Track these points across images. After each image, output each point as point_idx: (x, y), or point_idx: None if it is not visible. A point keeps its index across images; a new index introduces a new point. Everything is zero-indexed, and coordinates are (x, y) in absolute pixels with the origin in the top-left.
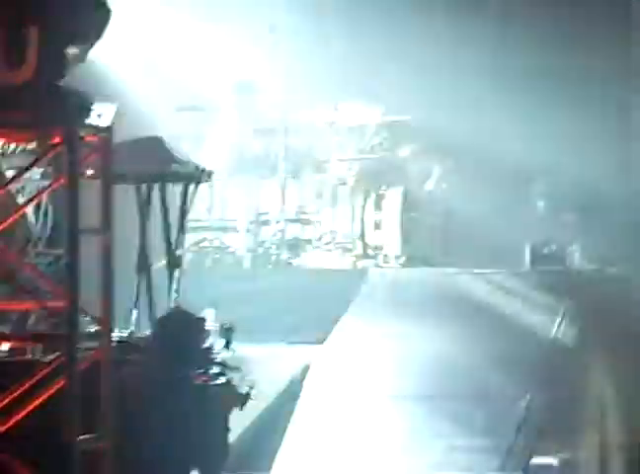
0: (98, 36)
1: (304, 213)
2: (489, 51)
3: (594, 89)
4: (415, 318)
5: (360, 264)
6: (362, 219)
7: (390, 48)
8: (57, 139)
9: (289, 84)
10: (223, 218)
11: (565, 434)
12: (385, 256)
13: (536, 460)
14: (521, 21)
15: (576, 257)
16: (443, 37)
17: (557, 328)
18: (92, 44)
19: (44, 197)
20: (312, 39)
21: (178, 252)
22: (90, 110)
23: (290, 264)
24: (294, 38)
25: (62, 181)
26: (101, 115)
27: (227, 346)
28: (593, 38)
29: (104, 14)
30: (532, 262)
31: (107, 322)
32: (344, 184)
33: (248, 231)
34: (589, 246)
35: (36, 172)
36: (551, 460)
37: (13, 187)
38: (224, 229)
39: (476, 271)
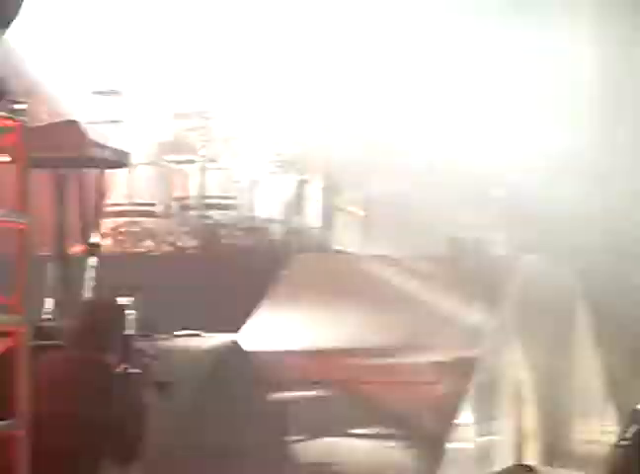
0: (12, 16)
1: (225, 198)
2: None
3: None
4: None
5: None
6: (284, 204)
7: None
8: None
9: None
10: (142, 203)
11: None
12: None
13: None
14: None
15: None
16: None
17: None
18: (7, 25)
19: None
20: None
21: (95, 238)
22: (4, 93)
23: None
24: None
25: None
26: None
27: (147, 335)
28: None
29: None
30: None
31: (21, 308)
32: (267, 169)
33: (167, 216)
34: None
35: None
36: None
37: None
38: (143, 214)
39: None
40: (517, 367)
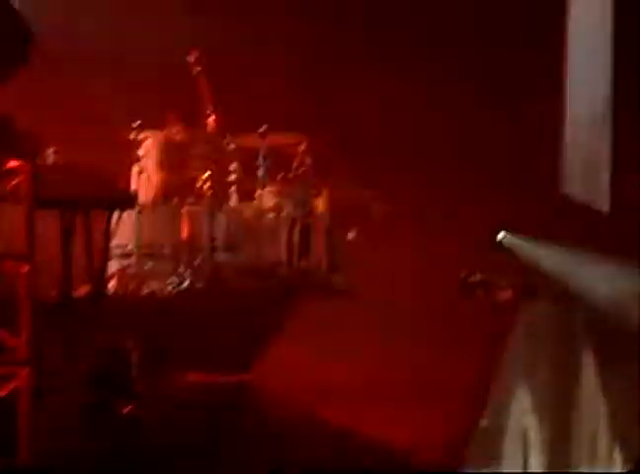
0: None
1: (232, 240)
2: None
3: None
4: None
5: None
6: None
7: None
8: None
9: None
10: (149, 244)
11: None
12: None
13: None
14: None
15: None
16: None
17: None
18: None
19: None
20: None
21: (101, 279)
22: (13, 133)
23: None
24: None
25: None
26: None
27: (153, 376)
28: None
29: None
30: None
31: (26, 350)
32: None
33: (174, 258)
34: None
35: None
36: None
37: None
38: (150, 256)
39: None
40: (523, 413)
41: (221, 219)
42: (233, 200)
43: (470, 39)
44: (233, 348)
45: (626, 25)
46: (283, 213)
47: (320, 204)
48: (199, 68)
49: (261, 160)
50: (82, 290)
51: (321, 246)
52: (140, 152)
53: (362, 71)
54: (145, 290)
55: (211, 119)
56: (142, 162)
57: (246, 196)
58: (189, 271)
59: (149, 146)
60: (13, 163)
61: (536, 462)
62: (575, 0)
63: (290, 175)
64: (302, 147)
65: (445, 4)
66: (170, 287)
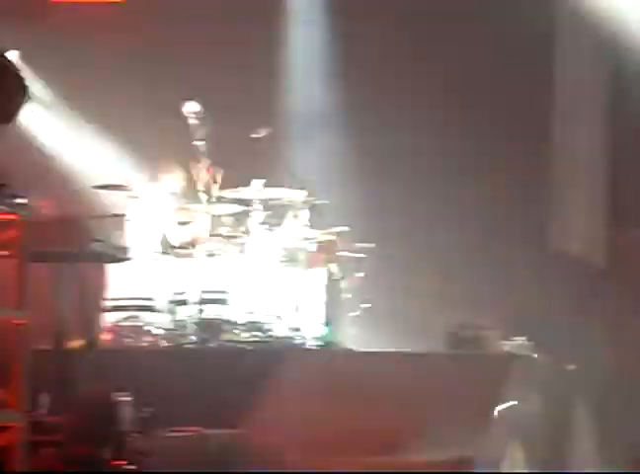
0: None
1: (223, 293)
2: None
3: None
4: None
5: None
6: (284, 300)
7: None
8: None
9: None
10: (142, 297)
11: None
12: (307, 337)
13: None
14: None
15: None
16: None
17: None
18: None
19: None
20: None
21: (94, 332)
22: (7, 187)
23: (208, 345)
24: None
25: None
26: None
27: (144, 431)
28: None
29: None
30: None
31: (18, 404)
32: (266, 263)
33: (168, 311)
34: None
35: None
36: None
37: None
38: (143, 308)
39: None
40: (517, 466)
41: (215, 272)
42: (227, 253)
43: None
44: (223, 404)
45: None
46: (277, 265)
47: (318, 256)
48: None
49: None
50: (76, 342)
51: (315, 298)
52: (134, 206)
53: None
54: (140, 344)
55: (206, 172)
56: (137, 216)
57: (240, 247)
58: (183, 325)
59: (144, 200)
60: (5, 216)
61: None
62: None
63: (284, 227)
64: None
65: None
66: (164, 342)
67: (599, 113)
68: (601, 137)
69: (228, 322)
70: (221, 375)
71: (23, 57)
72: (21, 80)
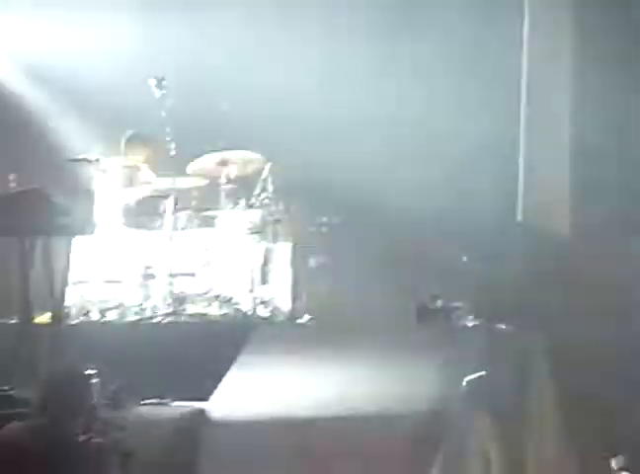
0: None
1: (192, 267)
2: None
3: None
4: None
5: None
6: (252, 273)
7: None
8: None
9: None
10: (109, 271)
11: None
12: (273, 310)
13: None
14: None
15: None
16: None
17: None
18: None
19: None
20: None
21: (61, 306)
22: None
23: (176, 318)
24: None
25: None
26: None
27: (113, 404)
28: None
29: None
30: (418, 318)
31: None
32: (233, 237)
33: (134, 285)
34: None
35: None
36: None
37: None
38: (110, 282)
39: None
40: (484, 437)
41: (182, 246)
42: (194, 226)
43: None
44: (193, 377)
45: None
46: (246, 239)
47: (282, 231)
48: (162, 91)
49: (222, 186)
50: (43, 317)
51: (284, 273)
52: (102, 179)
53: None
54: (106, 318)
55: (172, 145)
56: (104, 189)
57: (207, 221)
58: (149, 298)
59: (112, 173)
60: None
61: None
62: None
63: (252, 201)
64: (265, 173)
65: None
66: (130, 315)
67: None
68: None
69: (195, 295)
70: (189, 348)
71: None
72: None
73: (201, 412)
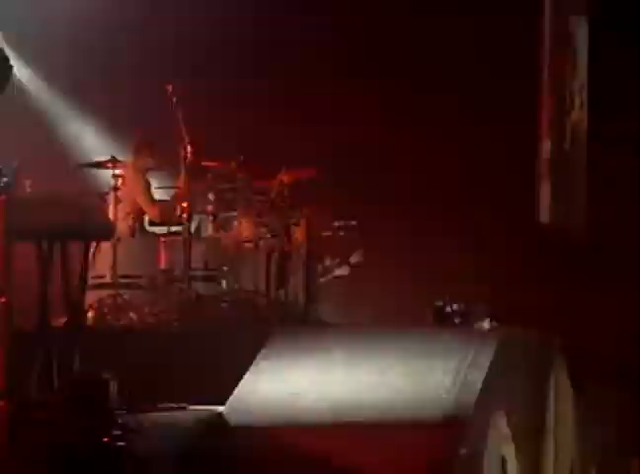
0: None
1: (209, 270)
2: None
3: None
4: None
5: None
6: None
7: None
8: None
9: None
10: (126, 275)
11: None
12: (290, 314)
13: None
14: None
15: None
16: None
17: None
18: None
19: None
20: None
21: (79, 311)
22: None
23: (193, 321)
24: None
25: None
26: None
27: (130, 408)
28: None
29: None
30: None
31: (2, 382)
32: (248, 240)
33: (152, 288)
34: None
35: None
36: None
37: None
38: (127, 286)
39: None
40: (501, 440)
41: (199, 249)
42: (210, 230)
43: None
44: (209, 380)
45: None
46: (261, 243)
47: (299, 234)
48: (175, 99)
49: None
50: (60, 321)
51: (299, 276)
52: (117, 183)
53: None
54: (123, 321)
55: (189, 149)
56: (119, 192)
57: (224, 225)
58: (167, 301)
59: (126, 176)
60: None
61: None
62: None
63: (269, 204)
64: (281, 176)
65: None
66: (148, 319)
67: None
68: None
69: (213, 298)
70: (205, 352)
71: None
72: (6, 60)
73: (219, 416)
